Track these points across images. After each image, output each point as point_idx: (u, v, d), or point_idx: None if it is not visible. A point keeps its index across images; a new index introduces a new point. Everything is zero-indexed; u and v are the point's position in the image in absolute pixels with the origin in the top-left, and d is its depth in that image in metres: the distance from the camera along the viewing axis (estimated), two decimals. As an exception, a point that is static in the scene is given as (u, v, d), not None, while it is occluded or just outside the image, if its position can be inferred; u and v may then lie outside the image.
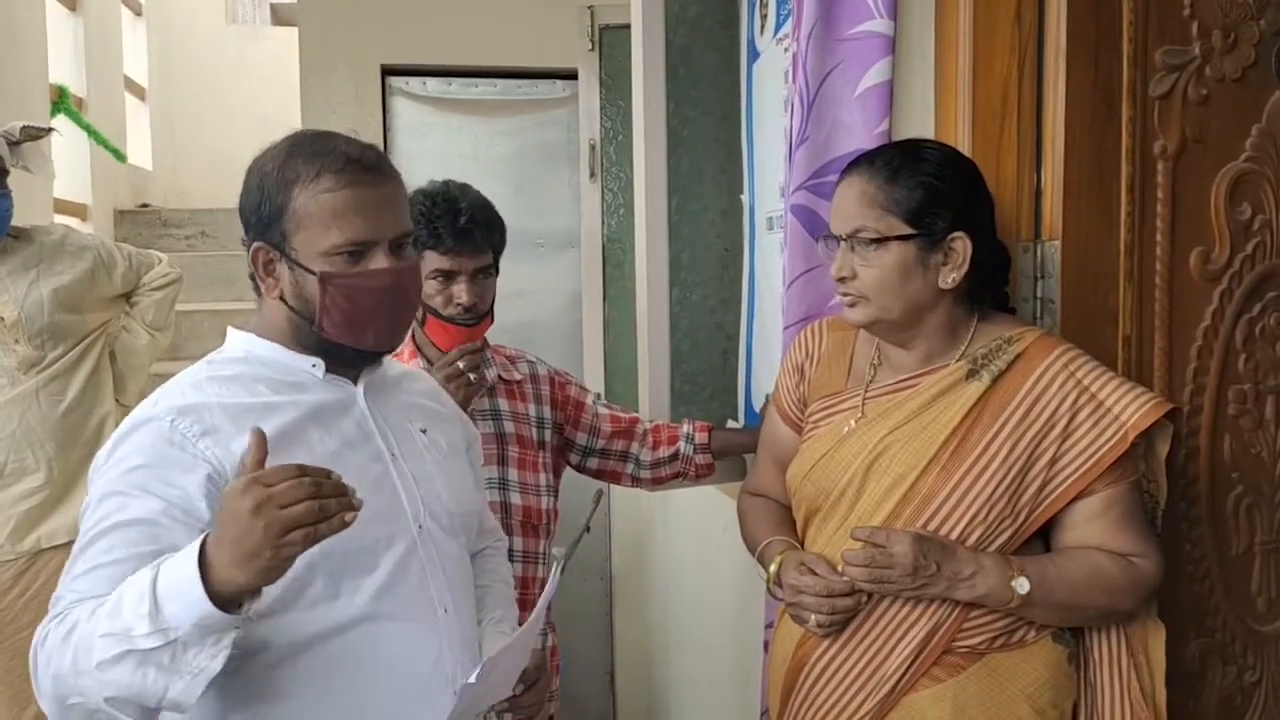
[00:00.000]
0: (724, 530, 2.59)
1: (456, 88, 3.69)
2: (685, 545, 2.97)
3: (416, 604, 1.26)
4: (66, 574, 1.13)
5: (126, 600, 1.00)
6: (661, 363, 2.35)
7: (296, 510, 0.97)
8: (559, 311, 3.69)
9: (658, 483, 2.12)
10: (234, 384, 1.22)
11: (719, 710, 2.62)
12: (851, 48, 1.57)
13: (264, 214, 1.20)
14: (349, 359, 1.28)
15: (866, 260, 1.34)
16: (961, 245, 1.33)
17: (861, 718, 1.36)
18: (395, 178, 1.26)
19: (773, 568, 1.38)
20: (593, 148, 3.26)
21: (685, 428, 2.10)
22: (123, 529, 1.12)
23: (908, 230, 1.32)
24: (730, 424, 2.39)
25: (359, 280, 1.20)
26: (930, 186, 1.32)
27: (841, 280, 1.36)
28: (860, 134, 1.58)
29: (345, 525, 1.00)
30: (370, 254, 1.21)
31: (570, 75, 3.60)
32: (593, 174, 3.26)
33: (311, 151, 1.21)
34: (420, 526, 1.28)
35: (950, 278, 1.33)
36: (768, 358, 2.22)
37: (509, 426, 1.92)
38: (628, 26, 3.13)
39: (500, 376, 1.95)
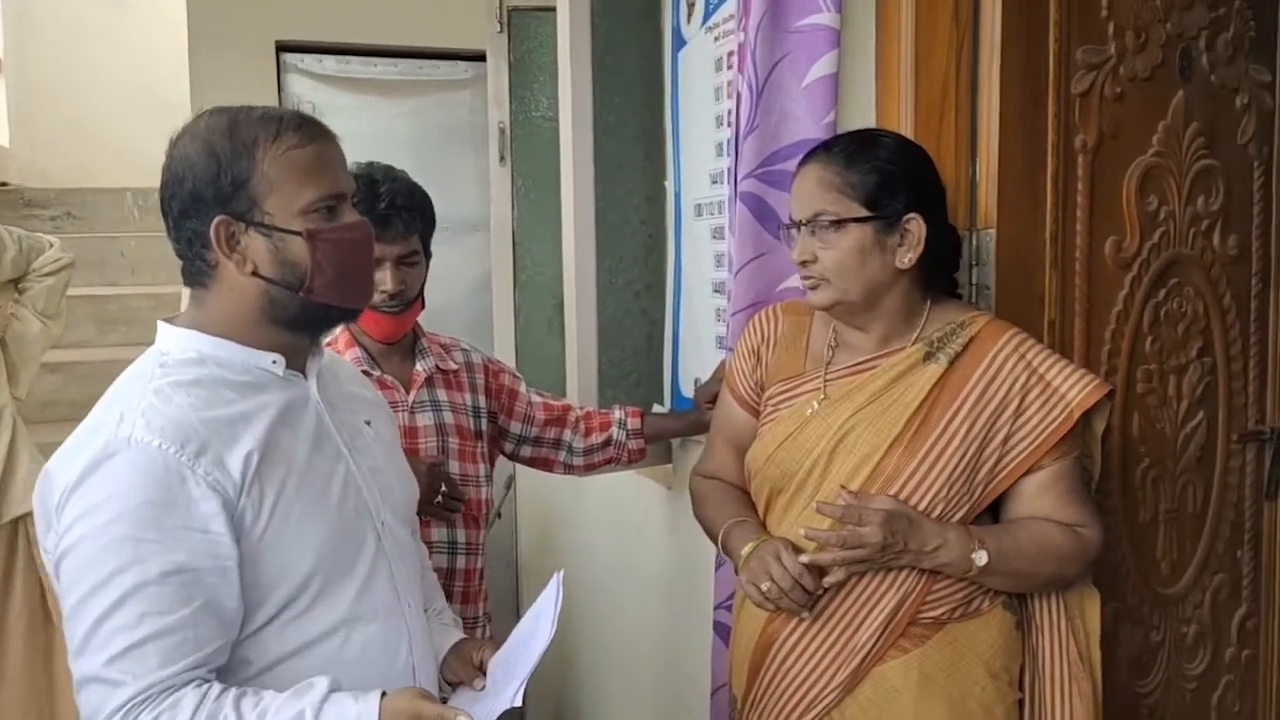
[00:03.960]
0: (645, 513, 2.62)
1: (355, 66, 3.60)
2: (599, 529, 2.98)
3: (387, 603, 1.24)
4: (89, 638, 1.04)
5: None
6: (589, 348, 2.35)
7: None
8: (464, 295, 3.65)
9: (590, 469, 2.13)
10: (199, 390, 1.14)
11: (644, 688, 2.65)
12: (799, 39, 1.61)
13: (223, 185, 1.13)
14: (324, 325, 1.24)
15: (826, 243, 1.38)
16: (916, 226, 1.38)
17: (833, 690, 1.41)
18: (336, 137, 1.24)
19: (746, 550, 1.41)
20: (502, 131, 3.22)
21: (617, 413, 2.11)
22: (155, 587, 1.05)
23: (864, 213, 1.37)
24: (656, 408, 2.42)
25: (343, 233, 1.18)
26: (885, 171, 1.37)
27: (803, 264, 1.40)
28: (807, 124, 1.61)
29: None
30: (341, 208, 1.19)
31: (473, 57, 3.56)
32: (502, 158, 3.22)
33: (258, 116, 1.17)
34: (382, 523, 1.26)
35: (907, 258, 1.39)
36: (695, 343, 2.25)
37: (448, 417, 1.90)
38: (537, 10, 3.12)
39: (437, 366, 1.92)
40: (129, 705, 1.03)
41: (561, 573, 1.22)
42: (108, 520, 1.05)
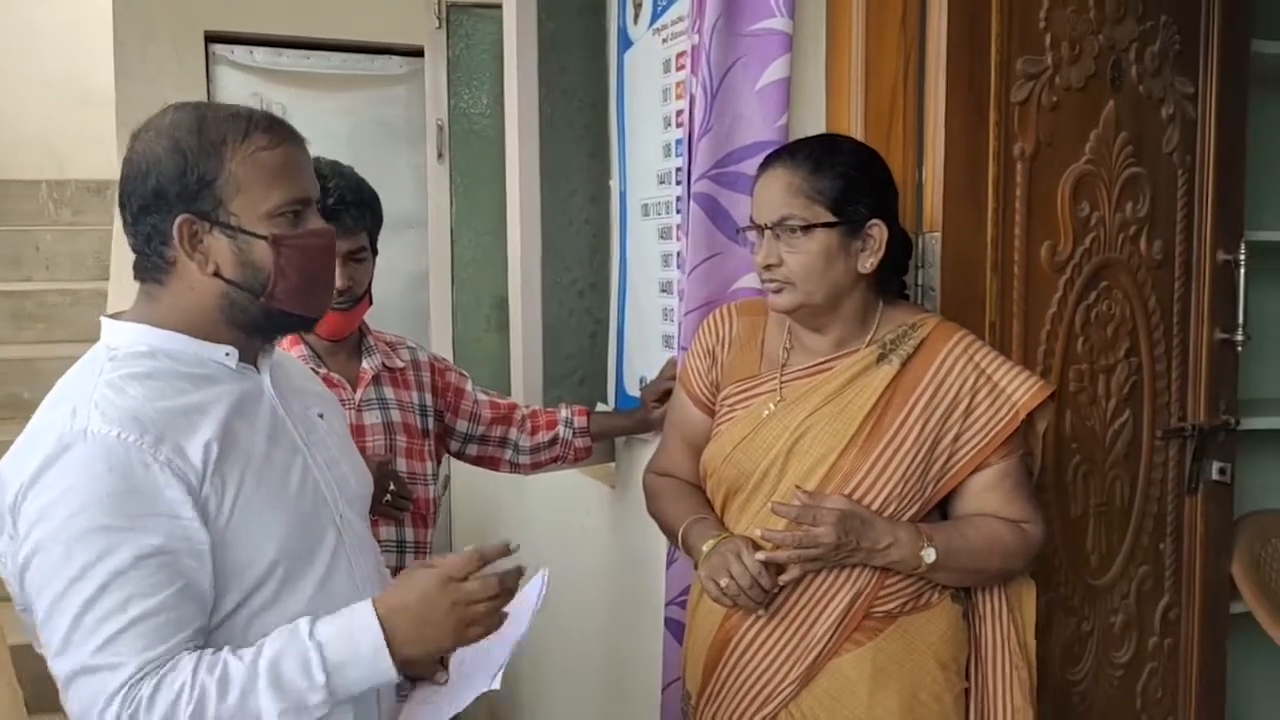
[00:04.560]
0: (587, 512, 2.62)
1: (287, 59, 3.53)
2: (541, 529, 2.98)
3: (348, 596, 1.23)
4: (71, 633, 1.02)
5: (287, 673, 1.06)
6: (534, 347, 2.36)
7: (481, 610, 1.12)
8: (400, 294, 3.61)
9: (536, 467, 2.13)
10: (152, 381, 1.12)
11: (588, 686, 2.65)
12: (753, 43, 1.63)
13: (189, 182, 1.12)
14: (281, 331, 1.23)
15: (793, 247, 1.41)
16: (879, 232, 1.42)
17: (790, 684, 1.44)
18: (304, 140, 1.23)
19: (706, 547, 1.43)
20: (440, 128, 3.19)
21: (563, 412, 2.12)
22: (134, 571, 1.03)
23: (831, 218, 1.40)
24: (601, 407, 2.42)
25: (309, 240, 1.17)
26: (850, 177, 1.41)
27: (768, 268, 1.42)
28: (760, 127, 1.64)
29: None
30: (306, 214, 1.17)
31: (408, 52, 3.52)
32: (441, 155, 3.19)
33: (226, 115, 1.15)
34: (340, 516, 1.26)
35: (869, 262, 1.43)
36: (641, 342, 2.27)
37: (396, 415, 1.88)
38: (476, 6, 3.11)
39: (384, 364, 1.90)
40: (129, 683, 1.02)
41: (547, 571, 1.24)
42: (71, 513, 1.03)
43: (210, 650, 1.07)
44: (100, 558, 1.02)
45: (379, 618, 1.09)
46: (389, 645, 1.08)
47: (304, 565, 1.17)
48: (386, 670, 1.09)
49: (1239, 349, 2.10)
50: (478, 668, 1.24)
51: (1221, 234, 2.06)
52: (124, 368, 1.12)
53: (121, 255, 3.60)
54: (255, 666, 1.05)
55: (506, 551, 1.16)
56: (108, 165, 4.09)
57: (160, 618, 1.04)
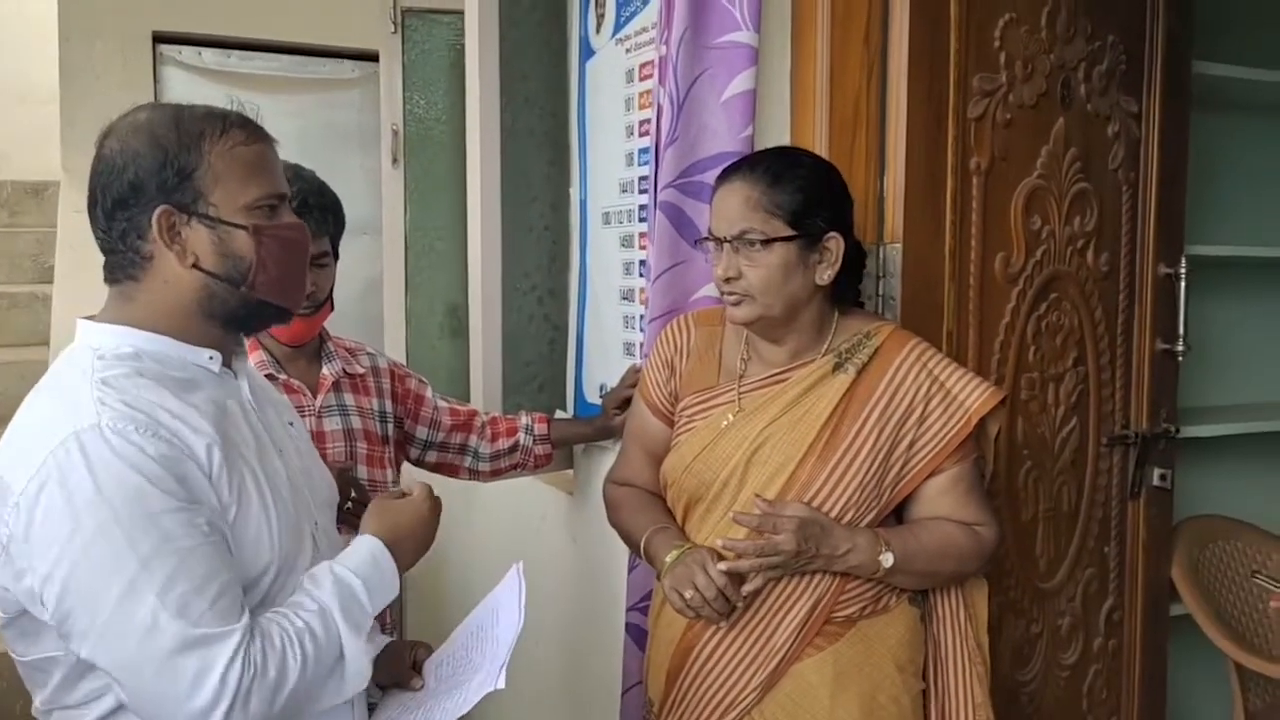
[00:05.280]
0: (542, 518, 2.62)
1: (235, 60, 3.48)
2: (495, 537, 2.97)
3: None
4: (157, 613, 1.01)
5: (352, 608, 1.16)
6: (494, 353, 2.36)
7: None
8: (352, 300, 3.56)
9: (496, 474, 2.13)
10: (143, 381, 1.11)
11: (544, 690, 2.65)
12: (719, 55, 1.65)
13: (168, 175, 1.12)
14: (259, 323, 1.24)
15: (752, 261, 1.42)
16: (835, 244, 1.45)
17: (753, 690, 1.45)
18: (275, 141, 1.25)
19: (670, 558, 1.44)
20: (395, 133, 3.17)
21: (524, 419, 2.12)
22: (203, 550, 1.06)
23: (789, 232, 1.42)
24: (559, 414, 2.43)
25: (286, 232, 1.19)
26: (808, 191, 1.43)
27: (728, 280, 1.44)
28: (726, 138, 1.66)
29: None
30: (281, 209, 1.19)
31: (361, 56, 3.50)
32: (395, 160, 3.18)
33: (203, 112, 1.17)
34: (315, 522, 1.26)
35: (826, 274, 1.45)
36: (601, 350, 2.28)
37: (356, 422, 1.87)
38: (431, 11, 3.10)
39: (344, 370, 1.89)
40: (242, 646, 1.04)
41: (520, 563, 1.27)
42: (118, 504, 1.02)
43: (272, 610, 1.12)
44: (170, 537, 1.03)
45: (386, 545, 1.22)
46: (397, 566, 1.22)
47: (290, 571, 1.17)
48: (395, 589, 1.22)
49: (1179, 359, 2.17)
50: (460, 670, 1.24)
51: (1163, 248, 2.13)
52: (114, 368, 1.11)
53: (68, 258, 3.52)
54: (325, 610, 1.13)
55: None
56: (46, 165, 4.00)
57: (234, 591, 1.07)
